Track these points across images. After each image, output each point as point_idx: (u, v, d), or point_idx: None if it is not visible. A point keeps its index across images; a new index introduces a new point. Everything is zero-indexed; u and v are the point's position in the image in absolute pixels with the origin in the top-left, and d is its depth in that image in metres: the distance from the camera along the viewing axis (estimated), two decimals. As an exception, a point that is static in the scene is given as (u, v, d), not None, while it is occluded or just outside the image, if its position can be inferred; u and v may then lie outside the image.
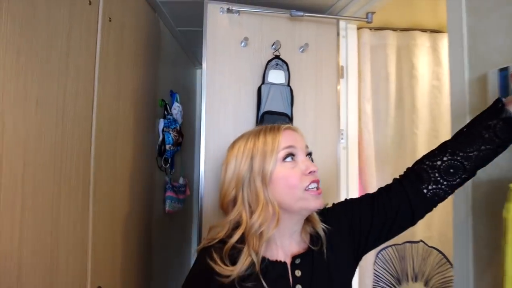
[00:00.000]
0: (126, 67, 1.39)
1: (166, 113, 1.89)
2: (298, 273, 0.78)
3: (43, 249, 0.88)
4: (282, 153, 0.78)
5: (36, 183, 0.85)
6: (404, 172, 0.84)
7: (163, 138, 1.83)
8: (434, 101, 1.96)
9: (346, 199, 0.91)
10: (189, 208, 2.61)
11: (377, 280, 1.88)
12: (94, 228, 1.11)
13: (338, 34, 1.71)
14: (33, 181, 0.84)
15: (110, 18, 1.19)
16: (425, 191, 0.78)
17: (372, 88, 1.90)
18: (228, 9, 1.51)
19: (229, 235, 0.79)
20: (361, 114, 1.85)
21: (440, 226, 1.90)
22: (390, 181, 0.86)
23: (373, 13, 1.65)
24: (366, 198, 0.86)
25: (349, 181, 1.69)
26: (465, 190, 0.95)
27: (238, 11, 1.53)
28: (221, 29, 1.53)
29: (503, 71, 0.83)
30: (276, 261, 0.79)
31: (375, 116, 1.91)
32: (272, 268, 0.77)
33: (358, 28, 1.83)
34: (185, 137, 2.08)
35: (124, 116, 1.38)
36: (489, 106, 0.76)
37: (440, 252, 1.92)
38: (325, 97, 1.65)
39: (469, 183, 0.93)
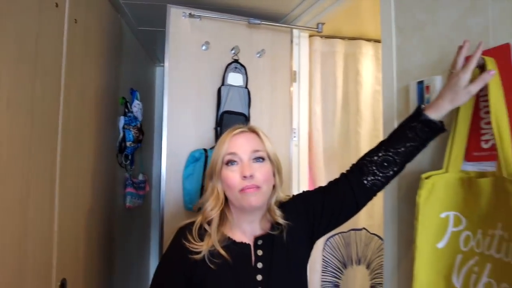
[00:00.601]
0: (90, 66, 1.42)
1: (126, 110, 1.92)
2: (259, 252, 0.91)
3: (12, 242, 0.91)
4: (226, 158, 0.90)
5: (6, 178, 0.88)
6: (350, 167, 0.99)
7: (124, 135, 1.86)
8: (376, 104, 2.17)
9: (303, 191, 1.05)
10: (148, 203, 2.64)
11: (325, 266, 2.07)
12: (60, 222, 1.15)
13: (291, 41, 1.87)
14: (4, 177, 0.87)
15: (75, 20, 1.22)
16: (365, 182, 0.93)
17: (321, 91, 2.08)
18: (190, 14, 1.60)
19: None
20: (311, 115, 2.03)
21: (380, 215, 2.09)
22: (336, 175, 1.02)
23: (323, 23, 1.82)
24: (319, 190, 1.00)
25: (300, 175, 1.86)
26: (394, 181, 1.13)
27: (200, 17, 1.62)
28: (183, 33, 1.61)
29: (420, 83, 1.02)
30: (241, 242, 0.92)
31: (324, 117, 2.08)
32: (237, 247, 0.90)
33: (310, 36, 2.00)
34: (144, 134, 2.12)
35: (88, 114, 1.41)
36: (413, 111, 0.93)
37: (380, 238, 2.14)
38: (279, 99, 1.80)
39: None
